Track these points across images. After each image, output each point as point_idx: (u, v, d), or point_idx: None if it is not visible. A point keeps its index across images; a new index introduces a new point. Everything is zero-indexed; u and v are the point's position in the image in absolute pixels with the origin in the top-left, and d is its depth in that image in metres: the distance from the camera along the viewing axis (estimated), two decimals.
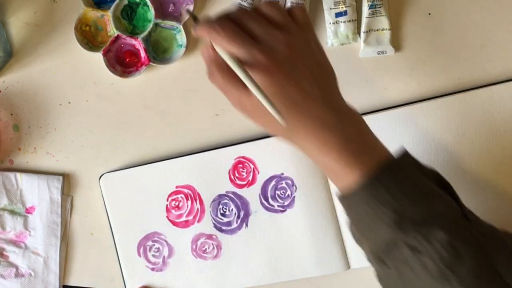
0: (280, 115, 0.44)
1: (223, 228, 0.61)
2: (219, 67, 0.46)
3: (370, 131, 0.47)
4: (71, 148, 0.63)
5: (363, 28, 0.60)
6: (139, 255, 0.62)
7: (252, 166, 0.61)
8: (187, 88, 0.62)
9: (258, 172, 0.61)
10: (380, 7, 0.59)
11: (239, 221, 0.61)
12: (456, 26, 0.60)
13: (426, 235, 0.42)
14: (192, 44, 0.62)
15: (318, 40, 0.49)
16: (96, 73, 0.62)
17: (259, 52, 0.45)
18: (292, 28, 0.47)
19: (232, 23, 0.45)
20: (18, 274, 0.63)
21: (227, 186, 0.61)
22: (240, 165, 0.61)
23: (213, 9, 0.62)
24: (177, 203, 0.62)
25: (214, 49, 0.46)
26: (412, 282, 0.44)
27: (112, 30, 0.61)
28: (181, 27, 0.60)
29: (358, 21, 0.60)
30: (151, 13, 0.60)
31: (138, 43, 0.61)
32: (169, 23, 0.61)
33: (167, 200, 0.62)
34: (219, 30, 0.45)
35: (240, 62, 0.45)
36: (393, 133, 0.59)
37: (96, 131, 0.63)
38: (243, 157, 0.61)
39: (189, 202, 0.62)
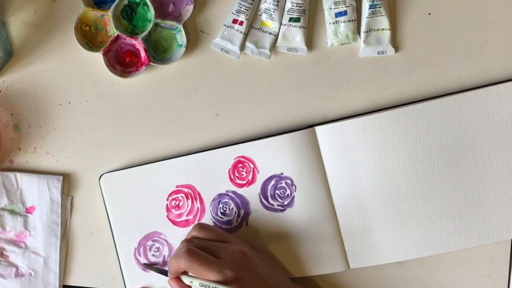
0: None
1: (223, 227, 0.61)
2: None
3: None
4: (71, 148, 0.63)
5: (363, 28, 0.60)
6: (139, 254, 0.62)
7: (251, 165, 0.61)
8: (187, 88, 0.62)
9: (258, 172, 0.61)
10: (380, 7, 0.59)
11: (239, 219, 0.61)
12: (456, 26, 0.61)
13: None
14: (192, 44, 0.62)
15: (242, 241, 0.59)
16: (96, 73, 0.63)
17: (227, 269, 0.53)
18: (231, 238, 0.57)
19: (198, 250, 0.53)
20: (18, 274, 0.63)
21: (227, 186, 0.61)
22: (240, 165, 0.61)
23: (213, 9, 0.62)
24: (177, 203, 0.62)
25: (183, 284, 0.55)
26: None
27: (112, 30, 0.61)
28: (181, 27, 0.60)
29: (358, 21, 0.60)
30: (151, 13, 0.60)
31: (138, 43, 0.61)
32: (169, 23, 0.61)
33: (167, 199, 0.62)
34: (194, 261, 0.52)
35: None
36: (393, 133, 0.59)
37: (96, 131, 0.63)
38: (242, 157, 0.61)
39: (189, 201, 0.62)
